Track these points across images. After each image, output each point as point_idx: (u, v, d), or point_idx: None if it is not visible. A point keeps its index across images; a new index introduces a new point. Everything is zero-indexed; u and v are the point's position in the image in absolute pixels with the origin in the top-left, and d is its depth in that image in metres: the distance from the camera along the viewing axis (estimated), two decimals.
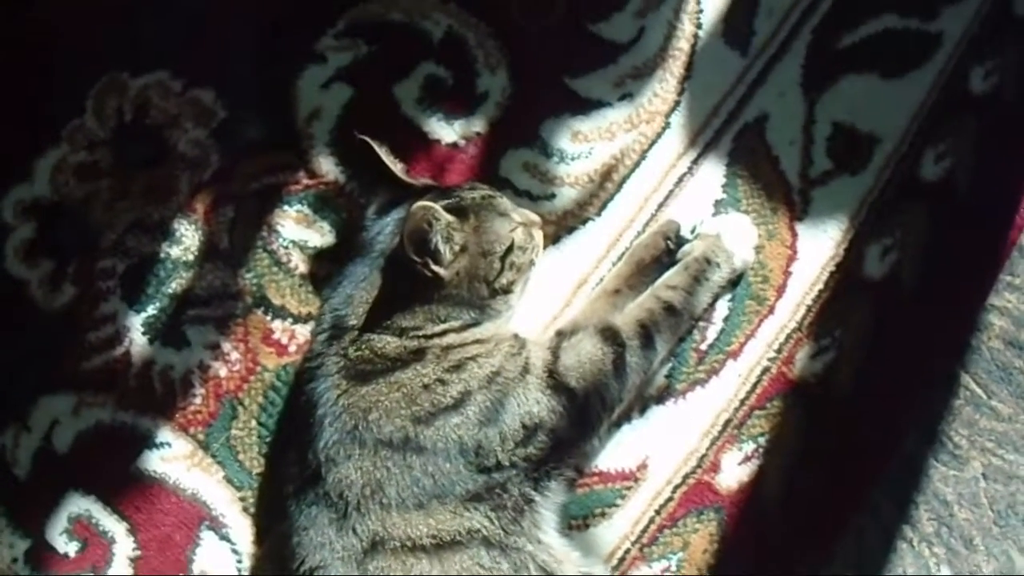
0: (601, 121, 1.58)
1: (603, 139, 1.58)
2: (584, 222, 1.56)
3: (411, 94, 1.58)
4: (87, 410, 1.51)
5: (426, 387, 1.33)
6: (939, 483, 1.53)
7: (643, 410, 1.50)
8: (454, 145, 1.58)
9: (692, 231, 1.53)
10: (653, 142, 1.58)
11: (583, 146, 1.58)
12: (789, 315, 1.53)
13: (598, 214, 1.56)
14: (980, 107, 1.59)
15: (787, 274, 1.54)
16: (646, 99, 1.58)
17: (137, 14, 1.61)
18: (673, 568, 1.48)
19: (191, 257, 1.56)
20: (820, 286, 1.54)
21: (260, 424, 1.51)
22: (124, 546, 1.50)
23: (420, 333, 1.37)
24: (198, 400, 1.52)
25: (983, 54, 1.60)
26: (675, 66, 1.59)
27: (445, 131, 1.58)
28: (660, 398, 1.51)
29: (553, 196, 1.56)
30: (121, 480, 1.50)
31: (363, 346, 1.37)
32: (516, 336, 1.41)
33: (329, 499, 1.30)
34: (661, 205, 1.56)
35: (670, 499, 1.49)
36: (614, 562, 1.48)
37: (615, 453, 1.49)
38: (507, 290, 1.42)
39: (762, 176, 1.56)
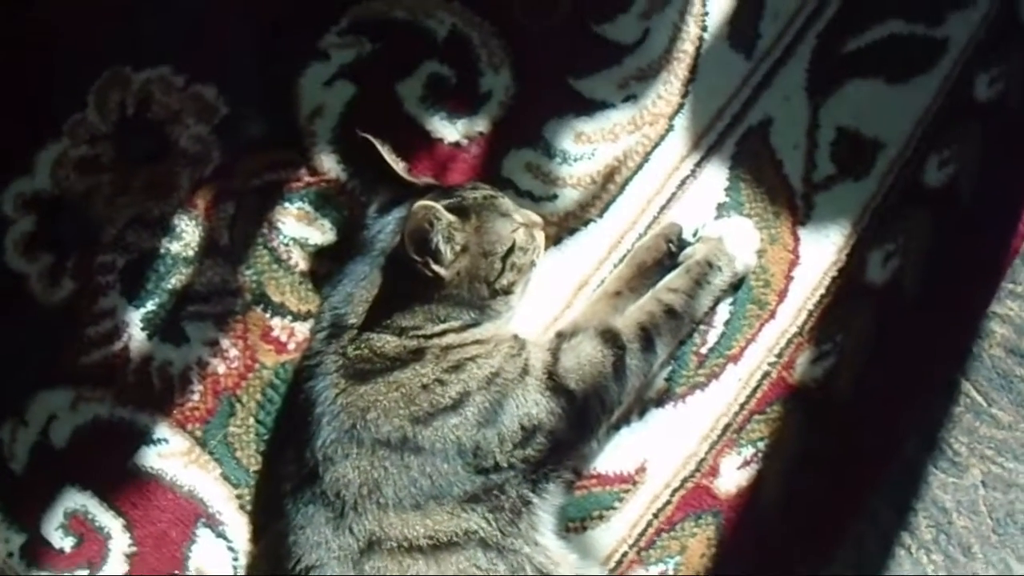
0: (604, 122, 1.57)
1: (606, 140, 1.57)
2: (586, 223, 1.56)
3: (414, 92, 1.58)
4: (85, 405, 1.51)
5: (425, 387, 1.33)
6: (938, 490, 1.52)
7: (642, 413, 1.50)
8: (456, 144, 1.58)
9: (694, 234, 1.52)
10: (656, 144, 1.57)
11: (586, 147, 1.57)
12: (790, 320, 1.53)
13: (600, 216, 1.56)
14: (985, 114, 1.59)
15: (789, 279, 1.54)
16: (650, 101, 1.58)
17: (140, 9, 1.61)
18: (670, 572, 1.48)
19: (191, 253, 1.55)
20: (822, 291, 1.54)
21: (258, 422, 1.51)
22: (120, 542, 1.50)
23: (420, 333, 1.37)
24: (196, 397, 1.52)
25: (989, 61, 1.60)
26: (679, 68, 1.59)
27: (448, 130, 1.58)
28: (659, 401, 1.50)
29: (555, 197, 1.56)
30: (118, 476, 1.50)
31: (362, 345, 1.37)
32: (516, 337, 1.41)
33: (326, 498, 1.30)
34: (663, 208, 1.56)
35: (668, 503, 1.49)
36: (611, 565, 1.48)
37: (614, 456, 1.49)
38: (507, 291, 1.42)
39: (765, 180, 1.56)
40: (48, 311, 1.54)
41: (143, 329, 1.53)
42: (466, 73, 1.58)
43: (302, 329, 1.53)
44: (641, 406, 1.50)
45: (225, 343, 1.53)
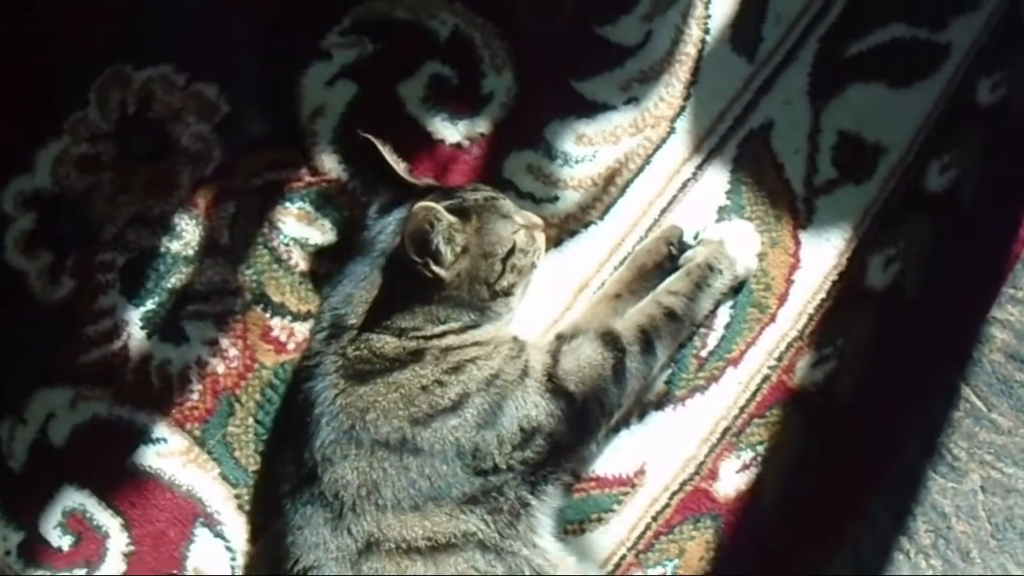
0: (606, 124, 1.57)
1: (608, 143, 1.57)
2: (587, 226, 1.55)
3: (416, 93, 1.58)
4: (84, 404, 1.51)
5: (424, 388, 1.33)
6: (937, 495, 1.52)
7: (642, 416, 1.50)
8: (458, 145, 1.57)
9: (695, 237, 1.52)
10: (658, 147, 1.57)
11: (587, 149, 1.57)
12: (791, 323, 1.53)
13: (601, 218, 1.56)
14: (987, 119, 1.59)
15: (789, 282, 1.53)
16: (652, 103, 1.58)
17: (142, 8, 1.60)
18: (669, 575, 1.48)
19: (191, 252, 1.55)
20: (822, 295, 1.53)
21: (257, 422, 1.51)
22: (118, 541, 1.49)
23: (419, 334, 1.37)
24: (195, 396, 1.51)
25: (991, 66, 1.59)
26: (682, 71, 1.59)
27: (449, 131, 1.58)
28: (659, 404, 1.50)
29: (556, 199, 1.56)
30: (116, 475, 1.50)
31: (362, 346, 1.36)
32: (516, 339, 1.41)
33: (324, 499, 1.30)
34: (664, 210, 1.56)
35: (667, 506, 1.49)
36: (610, 567, 1.48)
37: (613, 458, 1.49)
38: (508, 292, 1.42)
39: (766, 183, 1.56)
40: (48, 309, 1.53)
41: (142, 328, 1.53)
42: (468, 74, 1.58)
43: (302, 329, 1.52)
44: (640, 409, 1.49)
45: (225, 343, 1.52)
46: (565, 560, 1.36)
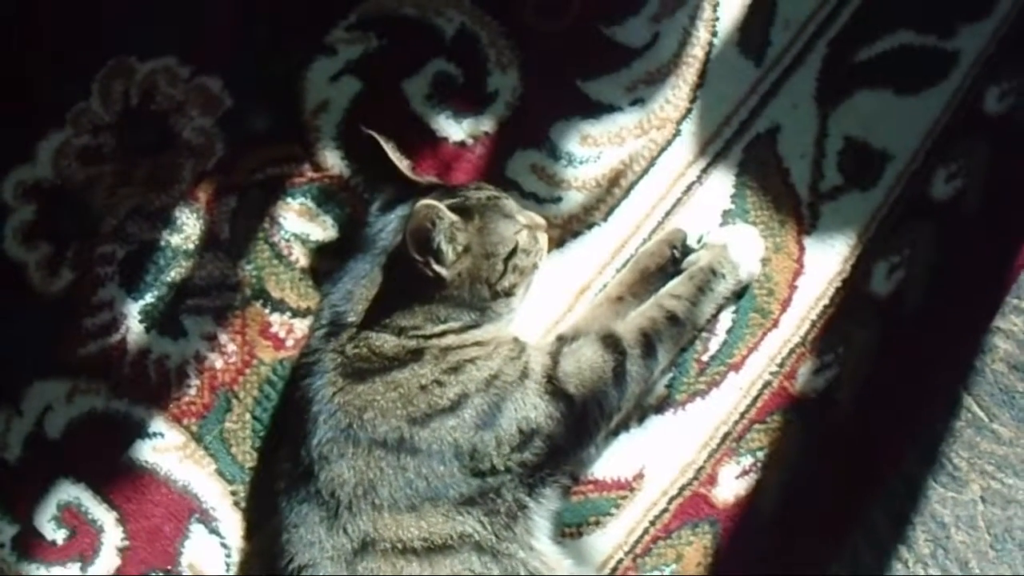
0: (611, 126, 1.57)
1: (612, 144, 1.57)
2: (590, 227, 1.55)
3: (420, 90, 1.57)
4: (81, 397, 1.51)
5: (423, 388, 1.32)
6: (937, 504, 1.52)
7: (641, 419, 1.49)
8: (462, 144, 1.57)
9: (698, 241, 1.52)
10: (663, 149, 1.57)
11: (592, 150, 1.56)
12: (793, 329, 1.52)
13: (604, 219, 1.55)
14: (994, 128, 1.58)
15: (793, 288, 1.53)
16: (658, 105, 1.57)
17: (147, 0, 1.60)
18: None
19: (191, 246, 1.55)
20: (825, 301, 1.53)
21: (254, 418, 1.51)
22: (113, 536, 1.49)
23: (419, 333, 1.36)
24: (193, 391, 1.51)
25: (999, 75, 1.59)
26: (688, 73, 1.58)
27: (453, 129, 1.57)
28: (659, 408, 1.50)
29: (559, 199, 1.55)
30: (112, 469, 1.49)
31: (361, 344, 1.36)
32: (516, 340, 1.40)
33: (321, 497, 1.30)
34: (668, 213, 1.55)
35: (665, 510, 1.48)
36: (606, 571, 1.47)
37: (611, 462, 1.48)
38: (509, 293, 1.41)
39: (771, 188, 1.55)
40: (46, 301, 1.53)
41: (141, 322, 1.53)
42: (473, 72, 1.57)
43: (301, 326, 1.52)
44: (640, 412, 1.49)
45: (223, 338, 1.52)
46: (562, 563, 1.36)
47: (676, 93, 1.58)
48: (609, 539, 1.48)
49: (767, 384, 1.51)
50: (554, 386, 1.34)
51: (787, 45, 1.59)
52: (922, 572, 1.50)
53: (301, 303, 1.53)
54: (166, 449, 1.50)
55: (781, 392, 1.51)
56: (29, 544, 1.49)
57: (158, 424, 1.50)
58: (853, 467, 1.49)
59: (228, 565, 1.48)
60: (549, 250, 1.50)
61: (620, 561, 1.48)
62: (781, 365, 1.51)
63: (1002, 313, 1.56)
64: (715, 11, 1.60)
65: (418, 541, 1.27)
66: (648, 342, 1.40)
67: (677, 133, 1.57)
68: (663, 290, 1.47)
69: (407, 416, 1.31)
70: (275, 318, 1.53)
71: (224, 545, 1.49)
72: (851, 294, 1.53)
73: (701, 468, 1.49)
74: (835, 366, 1.51)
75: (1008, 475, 1.52)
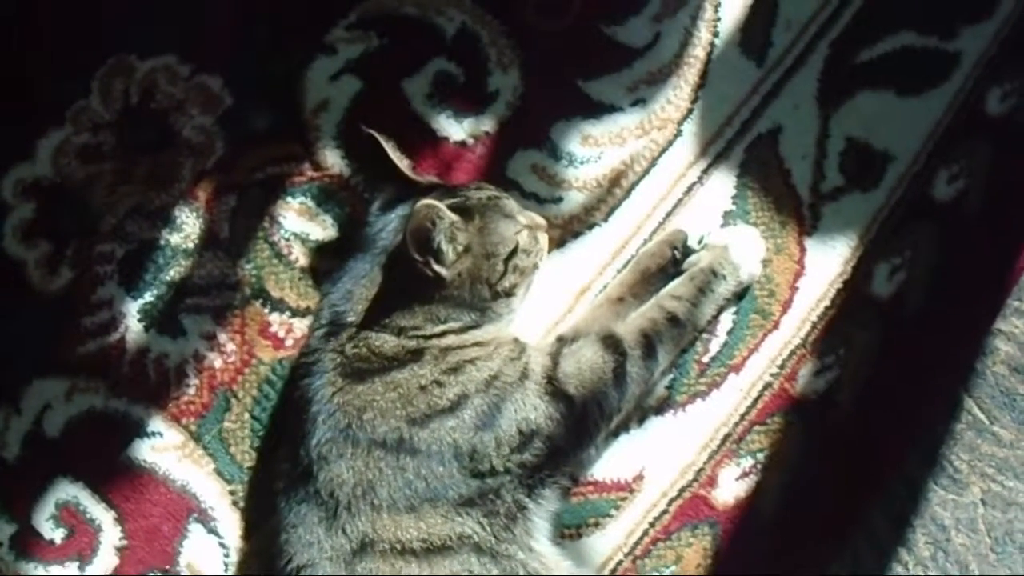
0: (612, 126, 1.56)
1: (613, 144, 1.56)
2: (590, 227, 1.55)
3: (421, 90, 1.57)
4: (79, 395, 1.50)
5: (423, 388, 1.32)
6: (937, 507, 1.51)
7: (642, 420, 1.49)
8: (462, 143, 1.57)
9: (699, 241, 1.51)
10: (664, 149, 1.56)
11: (593, 150, 1.56)
12: (794, 331, 1.52)
13: (605, 220, 1.55)
14: (996, 129, 1.58)
15: (793, 289, 1.53)
16: (659, 105, 1.57)
17: None
18: None
19: (191, 245, 1.54)
20: (826, 303, 1.53)
21: (253, 418, 1.50)
22: (111, 535, 1.49)
23: (419, 333, 1.36)
24: (192, 390, 1.51)
25: (1001, 76, 1.58)
26: (690, 73, 1.58)
27: (454, 129, 1.57)
28: (659, 409, 1.49)
29: (560, 200, 1.55)
30: (111, 468, 1.49)
31: (361, 344, 1.35)
32: (516, 340, 1.40)
33: (319, 498, 1.29)
34: (669, 214, 1.55)
35: (665, 512, 1.48)
36: (606, 573, 1.47)
37: (611, 463, 1.48)
38: (509, 293, 1.41)
39: (773, 189, 1.55)
40: (45, 299, 1.53)
41: (140, 320, 1.52)
42: (474, 72, 1.57)
43: (300, 325, 1.52)
44: (641, 413, 1.49)
45: (222, 337, 1.52)
46: (561, 564, 1.35)
47: (677, 93, 1.57)
48: (608, 540, 1.47)
49: (767, 386, 1.51)
50: (554, 387, 1.34)
51: (789, 46, 1.58)
52: (922, 574, 1.50)
53: (300, 302, 1.53)
54: (165, 448, 1.50)
55: (782, 394, 1.51)
56: (27, 543, 1.48)
57: (157, 423, 1.50)
58: (854, 469, 1.49)
59: (226, 565, 1.48)
60: (549, 250, 1.50)
61: (619, 563, 1.47)
62: (782, 367, 1.51)
63: (1003, 315, 1.56)
64: (717, 11, 1.59)
65: (417, 542, 1.26)
66: (648, 343, 1.40)
67: (678, 133, 1.57)
68: (664, 291, 1.46)
69: (406, 416, 1.30)
70: (274, 317, 1.52)
71: (222, 545, 1.48)
72: (852, 296, 1.53)
73: (701, 470, 1.49)
74: (836, 368, 1.51)
75: (1009, 478, 1.52)
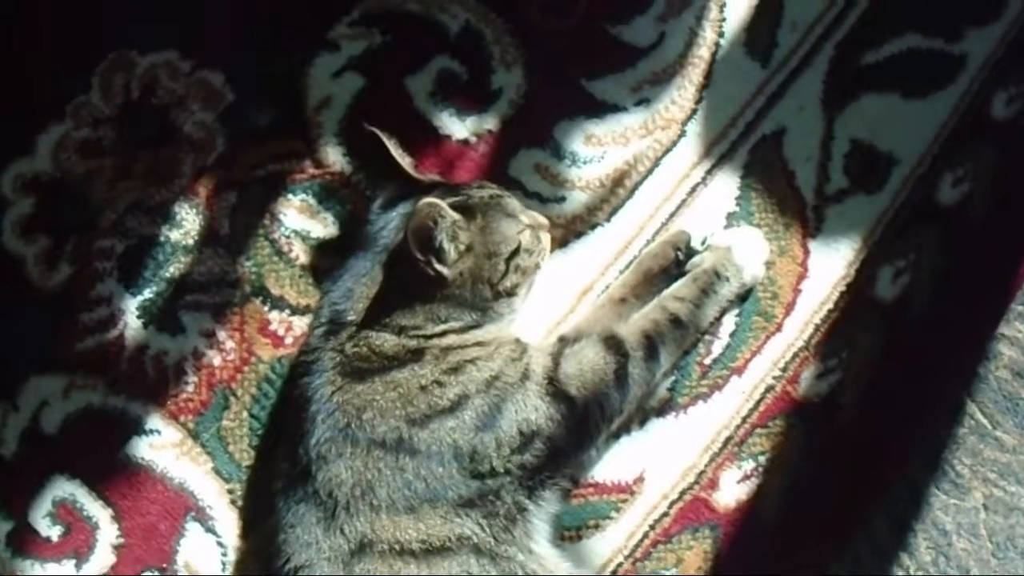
0: (616, 125, 1.56)
1: (617, 144, 1.56)
2: (593, 227, 1.54)
3: (424, 87, 1.56)
4: (77, 392, 1.49)
5: (423, 388, 1.31)
6: (939, 511, 1.51)
7: (643, 422, 1.48)
8: (465, 142, 1.56)
9: (703, 243, 1.51)
10: (668, 150, 1.56)
11: (596, 150, 1.55)
12: (796, 333, 1.51)
13: (608, 220, 1.54)
14: (1001, 132, 1.57)
15: (797, 292, 1.52)
16: (663, 106, 1.56)
17: None
18: None
19: (191, 241, 1.54)
20: (830, 306, 1.52)
21: (252, 416, 1.50)
22: (108, 533, 1.48)
23: (420, 332, 1.35)
24: (190, 388, 1.50)
25: (1007, 79, 1.58)
26: (694, 74, 1.57)
27: (456, 127, 1.56)
28: (661, 411, 1.49)
29: (563, 199, 1.54)
30: (108, 465, 1.48)
31: (361, 343, 1.35)
32: (517, 340, 1.39)
33: (318, 497, 1.29)
34: (672, 214, 1.54)
35: (666, 514, 1.47)
36: (606, 575, 1.46)
37: (612, 465, 1.47)
38: (511, 293, 1.40)
39: (777, 191, 1.55)
40: (44, 295, 1.52)
41: (139, 317, 1.52)
42: (477, 70, 1.56)
43: (300, 323, 1.51)
44: (642, 415, 1.48)
45: (222, 335, 1.51)
46: (561, 566, 1.35)
47: (682, 94, 1.57)
48: (608, 543, 1.47)
49: (770, 388, 1.50)
50: (555, 388, 1.33)
51: (794, 47, 1.58)
52: None
53: (301, 301, 1.52)
54: (163, 446, 1.49)
55: (784, 396, 1.50)
56: (24, 541, 1.47)
57: (155, 421, 1.49)
58: (856, 473, 1.48)
59: (224, 564, 1.47)
60: (552, 250, 1.49)
61: (620, 565, 1.47)
62: (784, 369, 1.50)
63: (1007, 319, 1.55)
64: (722, 12, 1.59)
65: (416, 543, 1.26)
66: (651, 344, 1.39)
67: (682, 134, 1.56)
68: (666, 292, 1.46)
69: (406, 416, 1.29)
70: (274, 315, 1.52)
71: (220, 544, 1.48)
72: (856, 298, 1.52)
73: (702, 472, 1.48)
74: (839, 371, 1.50)
75: (1011, 483, 1.51)
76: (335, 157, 1.55)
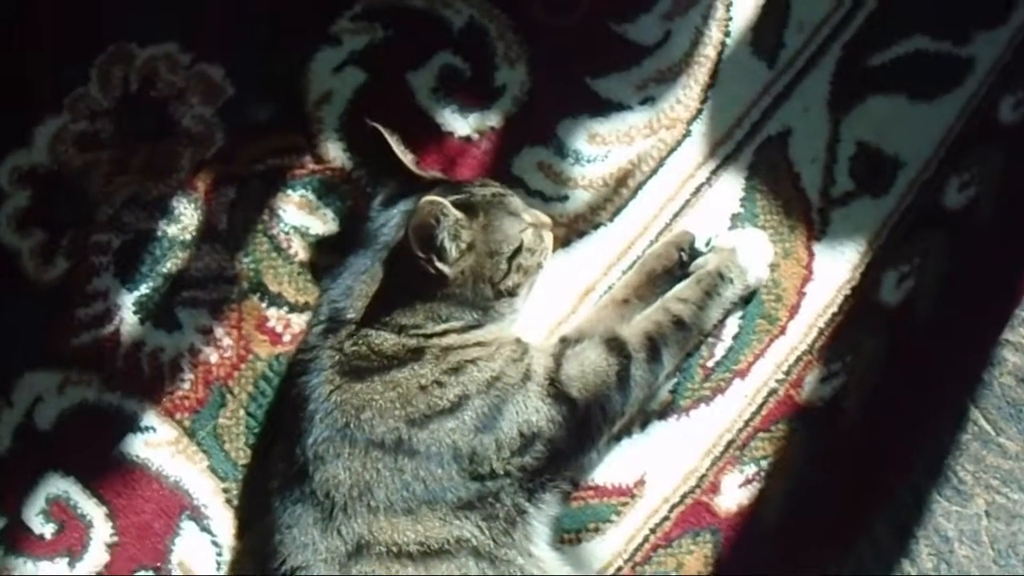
0: (620, 124, 1.55)
1: (621, 143, 1.55)
2: (596, 227, 1.53)
3: (426, 83, 1.55)
4: (72, 388, 1.49)
5: (423, 388, 1.30)
6: (941, 518, 1.50)
7: (644, 425, 1.48)
8: (467, 139, 1.55)
9: (707, 244, 1.50)
10: (672, 149, 1.55)
11: (600, 149, 1.54)
12: (800, 337, 1.50)
13: (611, 220, 1.53)
14: (1008, 136, 1.56)
15: (801, 295, 1.51)
16: (668, 105, 1.55)
17: None
18: None
19: (188, 237, 1.53)
20: (834, 309, 1.51)
21: (249, 414, 1.48)
22: (102, 531, 1.47)
23: (420, 332, 1.34)
24: (186, 385, 1.49)
25: (1014, 83, 1.57)
26: (700, 73, 1.56)
27: (459, 124, 1.55)
28: (663, 414, 1.48)
29: (566, 198, 1.53)
30: (103, 463, 1.47)
31: (360, 341, 1.34)
32: (519, 341, 1.38)
33: (315, 498, 1.28)
34: (676, 215, 1.54)
35: (666, 518, 1.46)
36: None
37: (613, 467, 1.46)
38: (512, 292, 1.39)
39: (782, 192, 1.54)
40: (39, 289, 1.51)
41: (135, 313, 1.51)
42: (481, 66, 1.56)
43: (299, 321, 1.50)
44: (643, 418, 1.47)
45: (219, 331, 1.50)
46: (560, 570, 1.34)
47: (687, 93, 1.56)
48: (609, 546, 1.46)
49: (773, 392, 1.49)
50: (557, 389, 1.33)
51: (801, 47, 1.57)
52: None
53: (299, 298, 1.51)
54: (158, 444, 1.48)
55: (787, 400, 1.49)
56: (17, 538, 1.46)
57: (150, 418, 1.48)
58: (859, 477, 1.48)
59: (219, 564, 1.46)
60: (554, 249, 1.48)
61: (619, 569, 1.46)
62: (788, 373, 1.50)
63: (1012, 325, 1.55)
64: (728, 11, 1.58)
65: (414, 545, 1.25)
66: (653, 346, 1.38)
67: (687, 134, 1.55)
68: (669, 293, 1.45)
69: (406, 417, 1.28)
70: (272, 312, 1.51)
71: (215, 543, 1.47)
72: (860, 302, 1.51)
73: (704, 476, 1.47)
74: (842, 375, 1.50)
75: (1013, 490, 1.51)
76: (335, 153, 1.54)
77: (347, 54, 1.56)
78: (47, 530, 1.47)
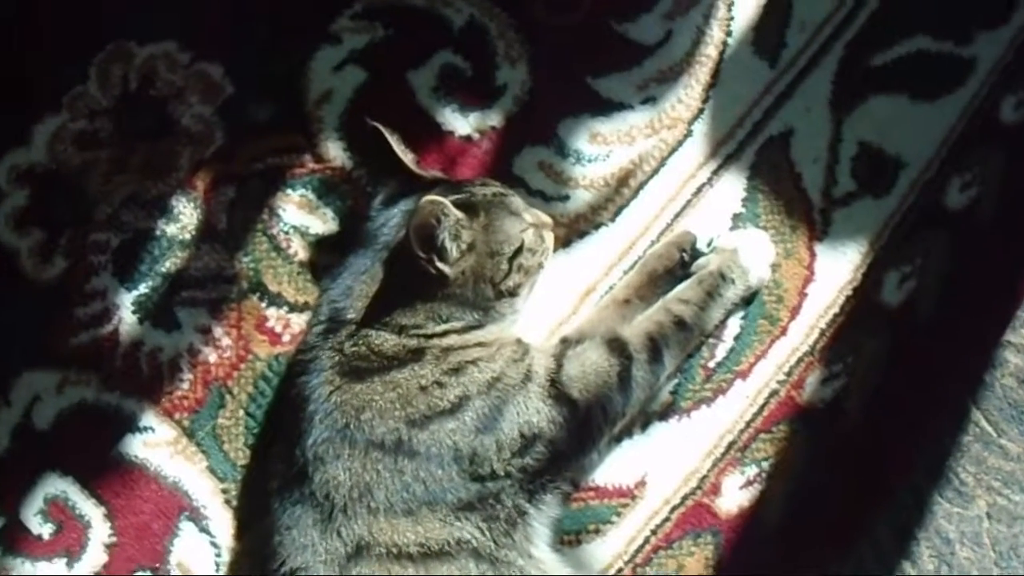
0: (621, 124, 1.55)
1: (622, 143, 1.54)
2: (597, 227, 1.53)
3: (427, 82, 1.55)
4: (71, 388, 1.48)
5: (423, 389, 1.30)
6: (942, 520, 1.50)
7: (645, 426, 1.47)
8: (468, 138, 1.55)
9: (708, 244, 1.50)
10: (673, 149, 1.54)
11: (601, 148, 1.54)
12: (802, 338, 1.50)
13: (612, 220, 1.53)
14: (1010, 137, 1.56)
15: (802, 295, 1.51)
16: (669, 104, 1.55)
17: None
18: None
19: (187, 236, 1.52)
20: (835, 310, 1.51)
21: (248, 414, 1.48)
22: (100, 532, 1.46)
23: (420, 332, 1.34)
24: (185, 385, 1.48)
25: (1016, 83, 1.57)
26: (701, 73, 1.56)
27: (459, 123, 1.55)
28: (663, 415, 1.48)
29: (567, 198, 1.53)
30: (101, 463, 1.47)
31: (360, 342, 1.33)
32: (519, 341, 1.38)
33: (314, 499, 1.27)
34: (678, 215, 1.53)
35: (667, 519, 1.46)
36: None
37: (614, 468, 1.46)
38: (513, 293, 1.39)
39: (783, 193, 1.53)
40: (38, 289, 1.51)
41: (134, 312, 1.50)
42: (481, 65, 1.55)
43: (298, 321, 1.50)
44: (644, 419, 1.47)
45: (218, 331, 1.49)
46: (561, 571, 1.34)
47: (688, 92, 1.55)
48: (609, 548, 1.45)
49: (774, 393, 1.49)
50: (557, 390, 1.32)
51: (802, 47, 1.57)
52: None
53: (299, 298, 1.50)
54: (157, 444, 1.47)
55: (788, 401, 1.49)
56: (15, 538, 1.46)
57: (149, 418, 1.48)
58: (860, 479, 1.47)
59: (218, 565, 1.46)
60: (555, 249, 1.48)
61: (620, 570, 1.45)
62: (789, 374, 1.49)
63: (1014, 327, 1.54)
64: (730, 10, 1.58)
65: (414, 546, 1.24)
66: (655, 347, 1.38)
67: (689, 133, 1.55)
68: (671, 294, 1.45)
69: (406, 417, 1.28)
70: (272, 312, 1.50)
71: (214, 544, 1.46)
72: (862, 303, 1.51)
73: (704, 477, 1.47)
74: (844, 376, 1.49)
75: (1015, 491, 1.51)
76: (335, 152, 1.54)
77: (347, 53, 1.55)
78: (45, 530, 1.46)
